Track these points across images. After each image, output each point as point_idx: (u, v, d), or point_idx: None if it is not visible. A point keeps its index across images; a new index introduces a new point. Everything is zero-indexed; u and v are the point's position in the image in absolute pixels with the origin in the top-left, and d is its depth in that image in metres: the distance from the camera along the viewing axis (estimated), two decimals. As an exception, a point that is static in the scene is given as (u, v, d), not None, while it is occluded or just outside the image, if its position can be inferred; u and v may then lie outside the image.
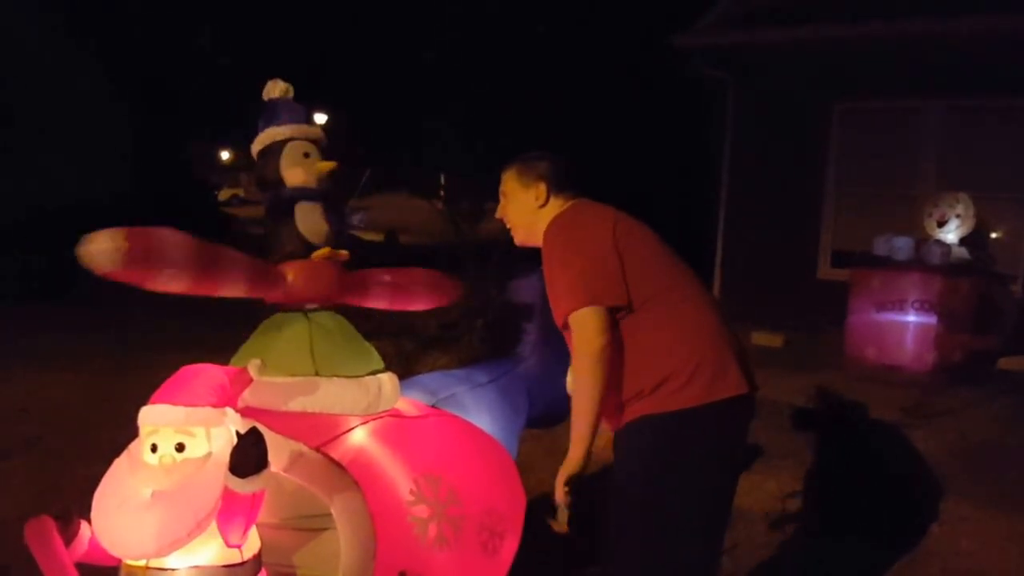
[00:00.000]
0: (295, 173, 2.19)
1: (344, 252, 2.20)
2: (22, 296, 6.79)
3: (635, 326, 2.05)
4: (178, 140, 12.09)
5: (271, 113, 2.25)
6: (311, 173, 2.19)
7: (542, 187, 2.25)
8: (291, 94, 2.29)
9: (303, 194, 2.17)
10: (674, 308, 2.08)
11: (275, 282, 2.13)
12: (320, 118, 18.02)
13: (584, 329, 2.00)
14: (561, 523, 2.09)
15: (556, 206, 2.24)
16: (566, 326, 2.08)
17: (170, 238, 1.88)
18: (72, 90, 8.90)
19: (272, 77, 2.31)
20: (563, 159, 2.30)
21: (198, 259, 1.92)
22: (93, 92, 9.18)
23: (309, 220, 2.15)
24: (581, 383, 2.01)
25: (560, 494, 2.06)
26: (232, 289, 2.03)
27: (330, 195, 2.21)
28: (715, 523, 2.14)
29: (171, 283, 1.88)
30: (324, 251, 2.16)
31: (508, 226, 2.35)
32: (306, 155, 2.20)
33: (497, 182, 2.34)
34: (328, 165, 2.20)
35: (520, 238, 2.32)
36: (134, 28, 11.29)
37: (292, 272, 2.14)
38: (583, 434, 2.02)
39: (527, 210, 2.27)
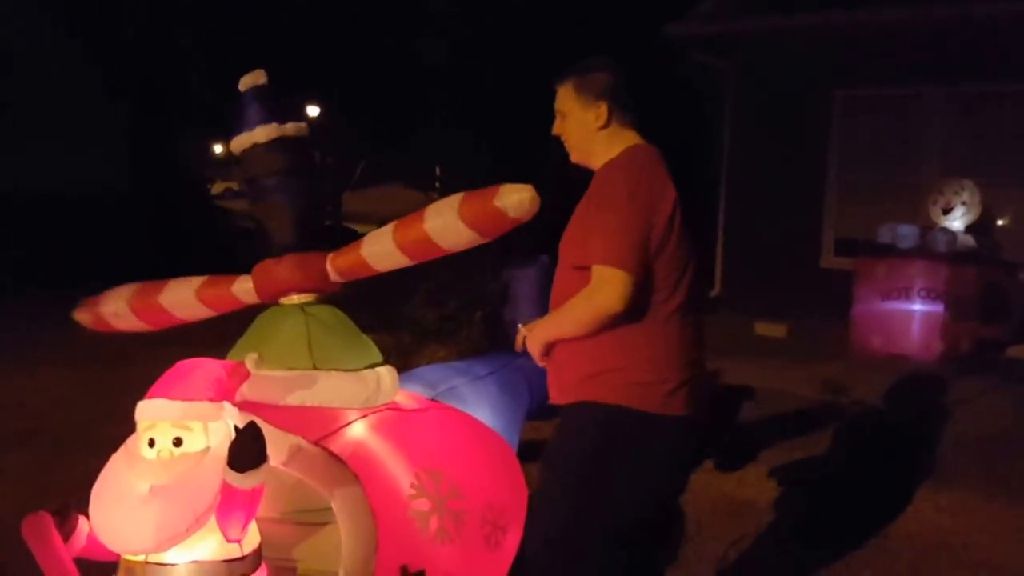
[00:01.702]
0: None
1: None
2: (17, 290, 6.74)
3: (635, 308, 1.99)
4: (170, 133, 12.04)
5: (241, 114, 2.24)
6: None
7: (603, 107, 2.09)
8: (262, 80, 2.24)
9: None
10: (671, 311, 2.03)
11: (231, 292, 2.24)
12: (312, 110, 17.95)
13: (607, 288, 1.94)
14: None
15: (618, 132, 2.11)
16: (580, 268, 2.01)
17: (113, 310, 2.30)
18: (64, 84, 8.87)
19: (265, 68, 2.28)
20: (624, 70, 2.14)
21: (146, 317, 2.29)
22: (85, 86, 9.16)
23: None
24: (574, 321, 2.01)
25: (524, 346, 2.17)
26: (201, 314, 2.27)
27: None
28: (635, 515, 2.13)
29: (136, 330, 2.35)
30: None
31: (566, 143, 2.19)
32: None
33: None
34: None
35: (577, 157, 2.19)
36: (126, 20, 11.23)
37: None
38: (555, 335, 2.08)
39: (587, 130, 2.11)
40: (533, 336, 2.14)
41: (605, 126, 2.10)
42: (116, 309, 2.29)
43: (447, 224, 1.96)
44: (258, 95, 2.21)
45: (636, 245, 1.95)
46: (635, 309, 1.98)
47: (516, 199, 1.90)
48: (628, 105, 2.11)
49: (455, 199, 1.97)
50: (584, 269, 2.00)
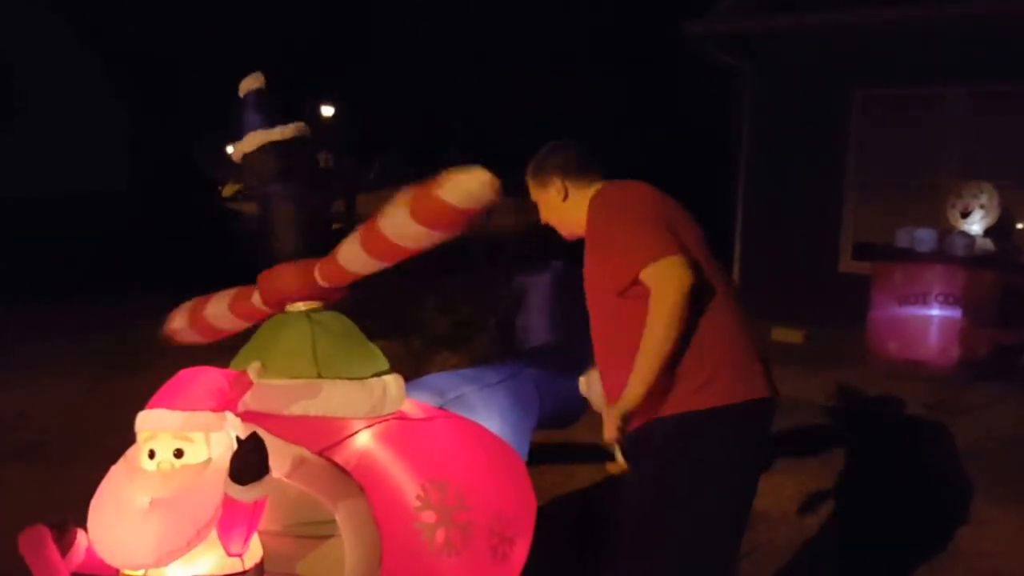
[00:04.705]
0: None
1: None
2: (18, 296, 6.63)
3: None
4: (182, 135, 12.05)
5: (240, 120, 2.24)
6: None
7: (558, 181, 2.25)
8: (259, 84, 2.26)
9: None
10: (704, 304, 2.01)
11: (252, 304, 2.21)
12: (327, 110, 17.98)
13: (670, 272, 1.92)
14: (620, 463, 2.17)
15: (581, 192, 2.22)
16: (627, 288, 2.00)
17: (177, 326, 2.35)
18: (72, 83, 8.84)
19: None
20: (573, 144, 2.30)
21: (199, 330, 2.32)
22: (94, 86, 9.14)
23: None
24: (658, 328, 1.92)
25: (612, 431, 2.02)
26: (238, 325, 2.28)
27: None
28: (734, 527, 2.10)
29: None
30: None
31: (555, 227, 2.34)
32: None
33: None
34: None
35: (565, 233, 2.32)
36: (137, 20, 11.24)
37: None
38: (646, 378, 1.95)
39: (556, 208, 2.28)
40: (629, 395, 2.00)
41: (566, 197, 2.25)
42: (179, 325, 2.35)
43: (400, 223, 1.86)
44: (255, 100, 2.22)
45: (661, 233, 1.99)
46: (696, 302, 1.96)
47: (463, 191, 1.76)
48: (586, 169, 2.25)
49: (407, 195, 1.85)
50: (627, 292, 2.00)
